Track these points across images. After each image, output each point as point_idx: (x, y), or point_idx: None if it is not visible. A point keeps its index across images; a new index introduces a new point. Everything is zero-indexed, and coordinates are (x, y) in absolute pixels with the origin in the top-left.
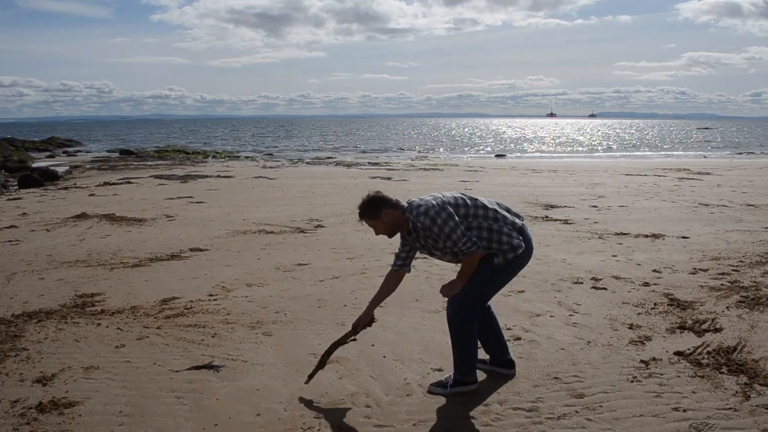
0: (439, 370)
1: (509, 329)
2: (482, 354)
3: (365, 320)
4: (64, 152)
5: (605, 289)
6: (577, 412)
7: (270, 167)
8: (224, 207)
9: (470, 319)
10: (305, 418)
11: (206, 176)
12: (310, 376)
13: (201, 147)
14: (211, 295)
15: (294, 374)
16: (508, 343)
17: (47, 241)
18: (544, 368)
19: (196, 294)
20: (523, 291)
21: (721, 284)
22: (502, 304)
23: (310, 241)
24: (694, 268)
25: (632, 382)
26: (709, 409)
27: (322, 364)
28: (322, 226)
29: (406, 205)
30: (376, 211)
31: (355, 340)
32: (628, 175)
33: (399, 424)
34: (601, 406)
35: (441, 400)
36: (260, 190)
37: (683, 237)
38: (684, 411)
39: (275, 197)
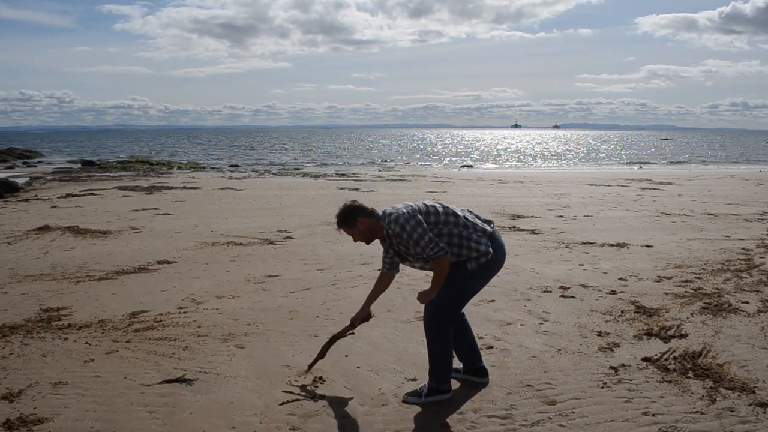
0: (413, 379)
1: (481, 338)
2: (456, 362)
3: (362, 315)
4: (23, 163)
5: (573, 297)
6: (550, 418)
7: (236, 178)
8: (191, 218)
9: (446, 325)
10: (281, 430)
11: (172, 187)
12: (311, 366)
13: (166, 158)
14: (181, 308)
15: (268, 386)
16: (480, 351)
17: (9, 255)
18: (517, 376)
19: (166, 307)
20: (493, 300)
21: (685, 291)
22: (473, 314)
23: (279, 253)
24: (659, 276)
25: (602, 388)
26: (677, 413)
27: (322, 354)
28: (291, 238)
29: (380, 213)
30: (352, 219)
31: (353, 333)
32: (592, 185)
33: None
34: (573, 412)
35: (416, 409)
36: (227, 201)
37: (647, 246)
38: (653, 415)
39: (243, 208)
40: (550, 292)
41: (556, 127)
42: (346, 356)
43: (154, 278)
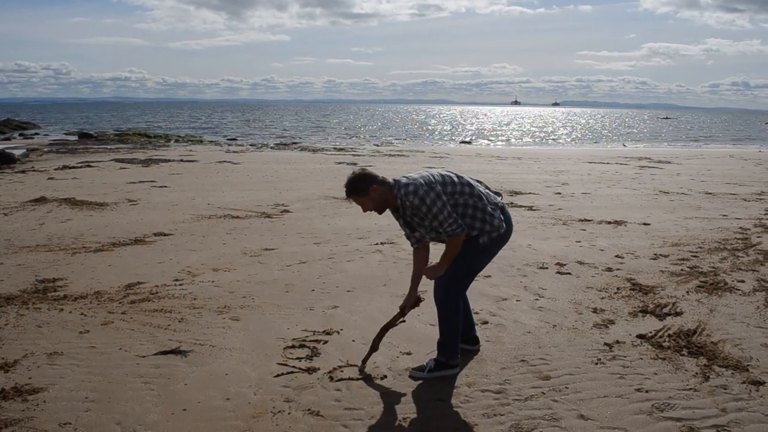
0: (408, 353)
1: (477, 313)
2: None
3: (411, 301)
4: (20, 135)
5: (570, 274)
6: (544, 393)
7: (234, 152)
8: (188, 191)
9: (458, 300)
10: (275, 402)
11: (169, 160)
12: (365, 360)
13: (163, 131)
14: (177, 280)
15: (263, 359)
16: (476, 326)
17: (5, 226)
18: (511, 351)
19: (162, 279)
20: (489, 276)
21: (681, 269)
22: (470, 289)
23: (276, 226)
24: (655, 254)
25: (596, 364)
26: (671, 390)
27: (374, 347)
28: (289, 211)
29: (392, 182)
30: (364, 187)
31: (404, 321)
32: (590, 162)
33: (369, 407)
34: (567, 388)
35: (411, 384)
36: (224, 174)
37: (644, 224)
38: (647, 392)
39: (240, 182)
40: (547, 268)
41: (555, 104)
42: (342, 330)
43: (150, 250)
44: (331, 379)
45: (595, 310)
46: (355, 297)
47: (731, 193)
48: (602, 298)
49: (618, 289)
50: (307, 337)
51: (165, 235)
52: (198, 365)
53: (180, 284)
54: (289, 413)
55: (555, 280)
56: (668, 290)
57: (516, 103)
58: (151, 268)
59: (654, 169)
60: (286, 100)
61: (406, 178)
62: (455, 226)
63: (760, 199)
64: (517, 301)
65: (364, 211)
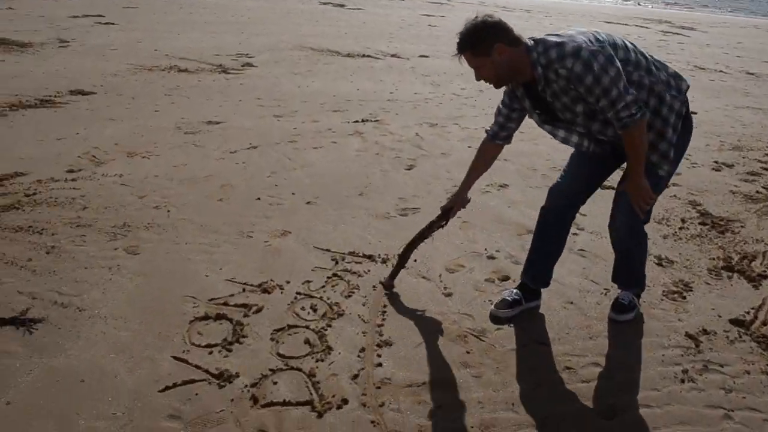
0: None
1: (492, 258)
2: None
3: (458, 202)
4: None
5: (612, 188)
6: None
7: None
8: (137, 31)
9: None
10: None
11: None
12: (392, 277)
13: None
14: (72, 171)
15: (153, 343)
16: (489, 284)
17: None
18: (539, 344)
19: (52, 168)
20: (506, 185)
21: (757, 192)
22: (480, 208)
23: (231, 86)
24: (716, 162)
25: (683, 382)
26: None
27: (403, 261)
28: (251, 66)
29: (530, 42)
30: (487, 43)
31: (444, 226)
32: (608, 23)
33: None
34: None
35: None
36: (189, 10)
37: (691, 112)
38: None
39: (204, 21)
40: None
41: None
42: (288, 283)
43: (56, 117)
44: (255, 401)
45: (660, 262)
46: (315, 214)
47: None
48: (664, 237)
49: (683, 221)
50: (231, 296)
51: (84, 93)
52: (42, 354)
53: (73, 179)
54: None
55: (596, 197)
56: (750, 228)
57: None
58: (45, 147)
59: (680, 36)
60: None
61: (557, 36)
62: (634, 109)
63: None
64: None
65: (478, 78)
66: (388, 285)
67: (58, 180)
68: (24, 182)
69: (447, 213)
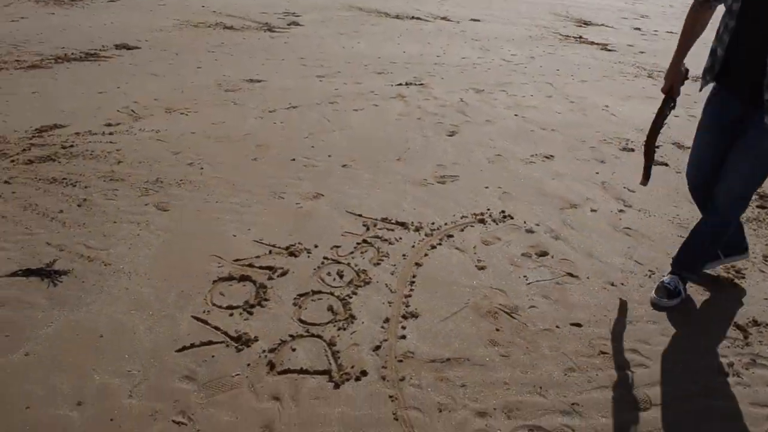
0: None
1: (531, 232)
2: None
3: (675, 76)
4: None
5: (666, 165)
6: None
7: None
8: None
9: None
10: (159, 421)
11: None
12: (646, 177)
13: None
14: (110, 125)
15: (174, 301)
16: (526, 259)
17: None
18: (572, 336)
19: (91, 121)
20: (551, 157)
21: None
22: (521, 179)
23: (275, 45)
24: None
25: (729, 376)
26: None
27: (651, 156)
28: (297, 24)
29: None
30: None
31: (674, 107)
32: None
33: None
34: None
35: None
36: None
37: None
38: None
39: None
40: (633, 150)
41: None
42: (315, 248)
43: (99, 71)
44: (272, 368)
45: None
46: (350, 178)
47: None
48: None
49: None
50: (257, 257)
51: (129, 48)
52: (64, 307)
53: (110, 132)
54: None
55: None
56: None
57: None
58: (86, 100)
59: None
60: None
61: None
62: None
63: None
64: (592, 211)
65: None
66: (644, 183)
67: (96, 133)
68: (62, 134)
69: (671, 92)
